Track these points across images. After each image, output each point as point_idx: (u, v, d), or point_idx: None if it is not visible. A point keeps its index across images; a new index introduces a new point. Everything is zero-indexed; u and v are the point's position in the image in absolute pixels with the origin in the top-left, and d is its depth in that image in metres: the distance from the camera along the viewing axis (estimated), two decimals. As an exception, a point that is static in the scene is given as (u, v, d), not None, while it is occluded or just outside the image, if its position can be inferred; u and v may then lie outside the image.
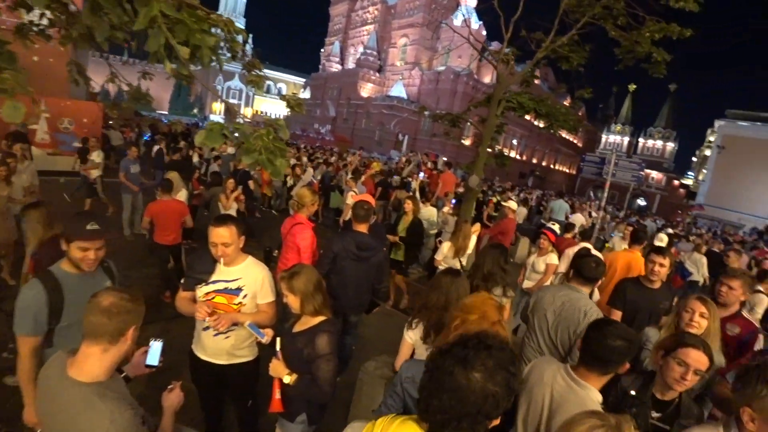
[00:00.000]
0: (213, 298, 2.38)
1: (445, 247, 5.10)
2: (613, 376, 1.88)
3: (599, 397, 1.76)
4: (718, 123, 57.93)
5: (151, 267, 6.00)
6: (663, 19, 6.10)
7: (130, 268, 6.00)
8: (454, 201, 8.14)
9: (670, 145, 66.02)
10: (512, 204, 7.48)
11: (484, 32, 44.24)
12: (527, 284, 5.46)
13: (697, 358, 1.86)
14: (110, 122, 16.04)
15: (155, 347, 1.81)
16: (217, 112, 75.66)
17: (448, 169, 11.75)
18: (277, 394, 2.15)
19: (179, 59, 1.67)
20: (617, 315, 3.38)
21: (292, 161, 13.55)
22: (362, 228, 3.72)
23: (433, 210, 8.04)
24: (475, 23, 45.69)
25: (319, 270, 3.66)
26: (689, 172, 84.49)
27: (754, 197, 52.38)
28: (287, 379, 2.08)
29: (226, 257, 2.31)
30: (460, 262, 5.27)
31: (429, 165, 17.59)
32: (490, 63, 7.25)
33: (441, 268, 5.14)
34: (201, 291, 2.38)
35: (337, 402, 3.18)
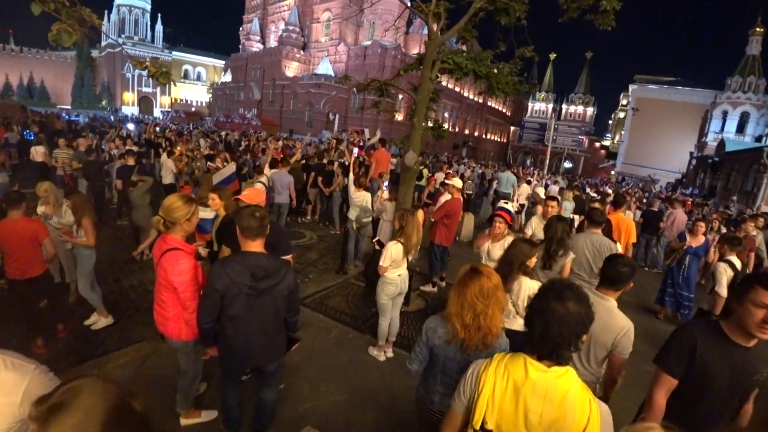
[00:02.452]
0: None
1: (394, 250, 4.00)
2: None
3: (615, 303, 2.50)
4: (632, 87, 61.79)
5: (15, 306, 4.30)
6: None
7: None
8: (386, 184, 7.04)
9: (590, 110, 69.32)
10: (457, 182, 6.53)
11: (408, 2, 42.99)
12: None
13: None
14: None
15: None
16: (129, 103, 68.74)
17: (382, 146, 10.39)
18: None
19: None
20: (669, 383, 2.02)
21: (205, 150, 11.82)
22: (256, 246, 2.47)
23: (367, 195, 6.95)
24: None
25: (205, 321, 2.41)
26: (607, 134, 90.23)
27: (664, 153, 56.79)
28: None
29: None
30: (407, 261, 4.29)
31: (357, 140, 16.42)
32: (422, 18, 6.16)
33: (390, 275, 4.10)
34: None
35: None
